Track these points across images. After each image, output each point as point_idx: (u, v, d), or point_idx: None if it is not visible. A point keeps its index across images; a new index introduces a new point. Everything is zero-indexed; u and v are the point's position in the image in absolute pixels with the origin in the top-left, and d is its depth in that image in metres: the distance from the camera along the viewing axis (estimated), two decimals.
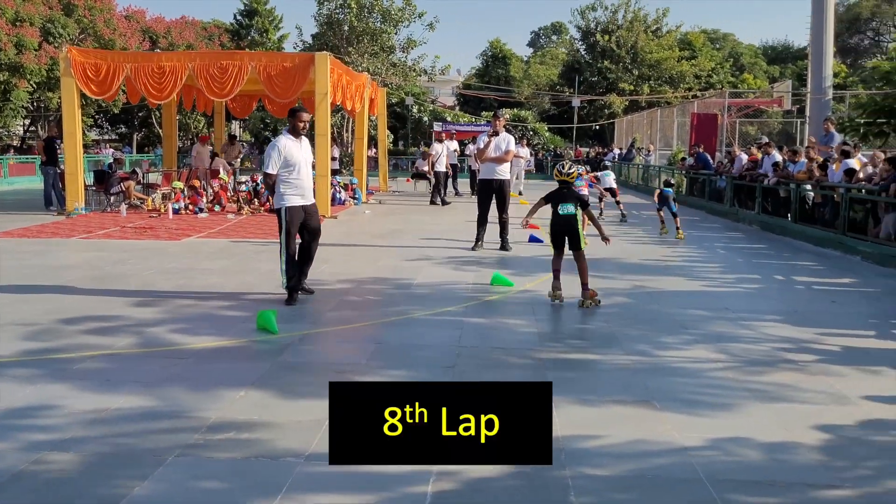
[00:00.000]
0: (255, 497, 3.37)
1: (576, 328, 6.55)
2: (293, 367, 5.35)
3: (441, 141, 21.24)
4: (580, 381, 5.07)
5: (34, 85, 36.08)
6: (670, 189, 13.89)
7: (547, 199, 7.71)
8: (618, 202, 16.17)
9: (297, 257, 7.37)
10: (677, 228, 13.24)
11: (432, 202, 19.66)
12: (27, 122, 51.66)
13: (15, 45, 32.69)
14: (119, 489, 3.39)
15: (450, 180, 22.26)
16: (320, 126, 16.23)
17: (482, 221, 11.25)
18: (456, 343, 5.99)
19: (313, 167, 7.73)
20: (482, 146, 11.14)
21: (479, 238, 11.24)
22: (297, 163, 7.22)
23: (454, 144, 23.23)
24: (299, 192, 7.29)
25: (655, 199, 14.56)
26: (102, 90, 16.34)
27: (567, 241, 7.60)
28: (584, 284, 7.48)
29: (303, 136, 7.39)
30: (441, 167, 20.18)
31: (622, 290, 8.30)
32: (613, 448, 3.97)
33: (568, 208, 7.55)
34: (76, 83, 16.09)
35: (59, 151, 17.36)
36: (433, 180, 20.40)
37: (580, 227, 7.67)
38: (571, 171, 7.67)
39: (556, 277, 7.55)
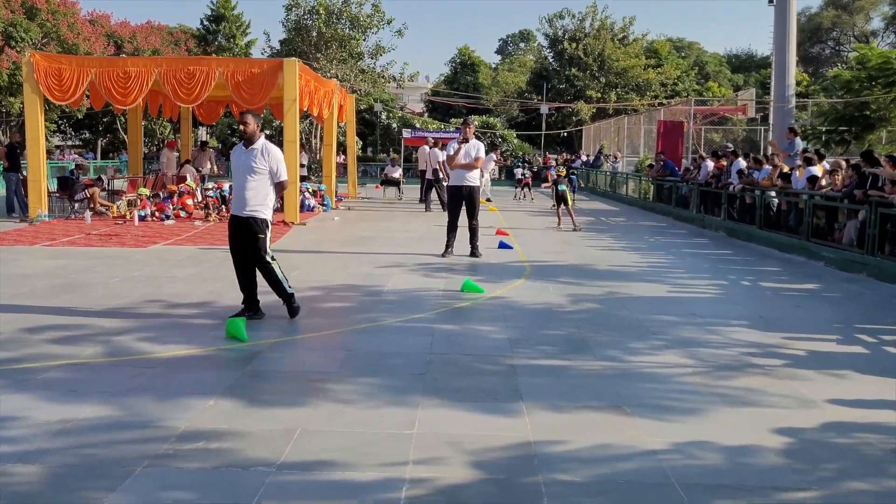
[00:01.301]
0: (228, 499, 3.33)
1: (547, 334, 6.57)
2: (263, 375, 5.30)
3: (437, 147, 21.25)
4: (551, 387, 5.09)
5: None
6: (563, 187, 16.48)
7: (553, 184, 16.55)
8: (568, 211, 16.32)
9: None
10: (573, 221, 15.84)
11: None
12: None
13: None
14: (87, 501, 3.34)
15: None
16: (289, 132, 16.15)
17: (452, 228, 11.27)
18: (427, 350, 5.98)
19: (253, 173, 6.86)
20: (452, 153, 11.17)
21: (448, 245, 11.25)
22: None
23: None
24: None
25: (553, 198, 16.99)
26: (66, 96, 16.11)
27: (563, 203, 16.02)
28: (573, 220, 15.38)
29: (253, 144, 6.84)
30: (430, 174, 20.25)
31: (592, 296, 8.35)
32: (585, 453, 3.99)
33: (563, 188, 16.16)
34: (39, 88, 15.85)
35: (21, 157, 17.07)
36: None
37: (569, 196, 16.16)
38: (561, 171, 14.02)
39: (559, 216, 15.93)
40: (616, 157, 30.69)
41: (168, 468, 3.70)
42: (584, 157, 36.74)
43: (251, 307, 6.89)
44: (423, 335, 6.46)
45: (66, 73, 15.94)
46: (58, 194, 16.86)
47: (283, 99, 16.49)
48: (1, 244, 12.04)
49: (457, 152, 11.07)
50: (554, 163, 28.83)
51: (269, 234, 6.85)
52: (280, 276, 6.92)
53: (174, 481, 3.55)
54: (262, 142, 6.83)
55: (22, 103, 37.69)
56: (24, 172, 16.50)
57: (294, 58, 17.06)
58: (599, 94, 46.11)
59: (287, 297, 7.00)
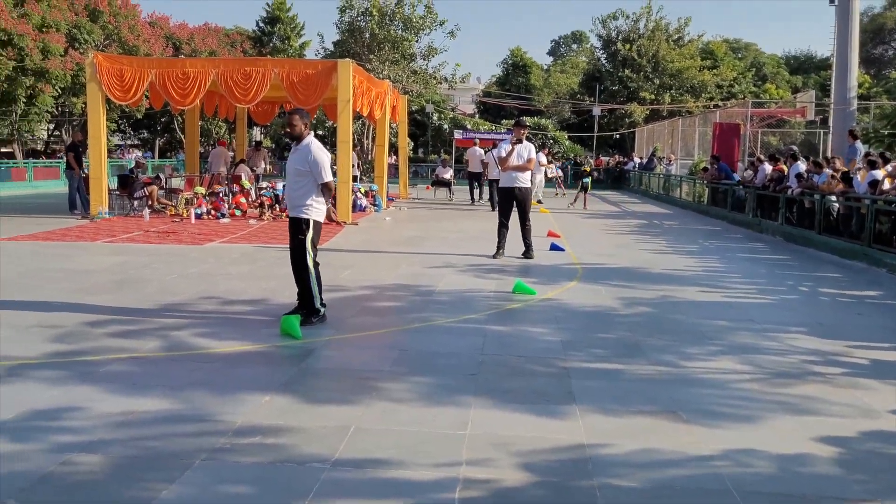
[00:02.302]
0: (282, 502, 3.37)
1: (599, 338, 6.51)
2: (317, 372, 5.36)
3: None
4: (604, 390, 5.04)
5: (59, 90, 36.49)
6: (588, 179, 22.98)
7: (577, 178, 20.06)
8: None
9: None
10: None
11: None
12: (52, 126, 52.28)
13: (41, 50, 33.09)
14: (146, 492, 3.41)
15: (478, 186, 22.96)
16: (342, 133, 16.31)
17: (503, 229, 11.25)
18: (479, 351, 5.98)
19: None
20: (504, 154, 11.14)
21: (500, 246, 11.23)
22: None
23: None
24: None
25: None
26: (127, 96, 16.51)
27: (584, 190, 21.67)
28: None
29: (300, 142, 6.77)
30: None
31: (646, 299, 8.25)
32: (639, 458, 3.94)
33: (587, 180, 21.51)
34: (101, 89, 16.27)
35: (83, 156, 17.53)
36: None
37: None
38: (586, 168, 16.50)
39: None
40: (670, 160, 30.29)
41: (225, 462, 3.76)
42: (636, 160, 36.33)
43: (305, 306, 6.91)
44: (475, 336, 6.45)
45: (127, 74, 16.33)
46: (118, 192, 17.28)
47: (336, 100, 16.66)
48: (63, 240, 12.38)
49: (509, 154, 11.05)
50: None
51: (309, 236, 6.67)
52: (314, 286, 6.68)
53: (231, 475, 3.61)
54: (307, 141, 6.73)
55: (84, 103, 38.72)
56: (86, 170, 16.93)
57: (348, 59, 17.21)
58: (653, 96, 45.53)
59: (312, 310, 6.70)
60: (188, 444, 3.96)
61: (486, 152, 21.10)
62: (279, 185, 18.11)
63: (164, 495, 3.38)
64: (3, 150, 50.57)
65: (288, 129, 6.86)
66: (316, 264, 6.73)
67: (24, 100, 36.03)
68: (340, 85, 16.17)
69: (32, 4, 34.41)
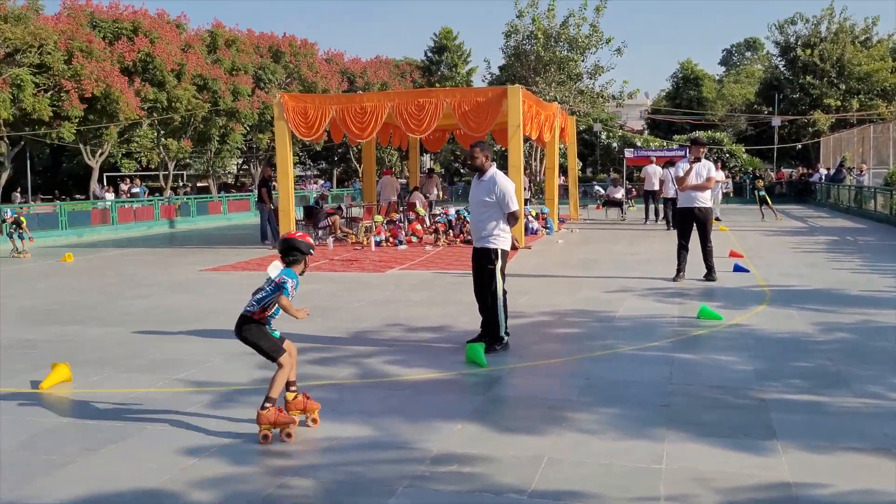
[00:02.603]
0: None
1: (796, 366, 6.18)
2: (505, 400, 5.44)
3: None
4: (808, 424, 4.79)
5: (247, 128, 39.26)
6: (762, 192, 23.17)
7: (756, 190, 20.23)
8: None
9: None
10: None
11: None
12: (240, 161, 56.22)
13: (232, 92, 35.75)
14: None
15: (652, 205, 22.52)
16: (513, 157, 16.50)
17: (683, 250, 10.94)
18: (667, 380, 5.84)
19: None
20: (682, 174, 10.86)
21: (680, 268, 10.92)
22: None
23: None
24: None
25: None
26: (311, 132, 17.51)
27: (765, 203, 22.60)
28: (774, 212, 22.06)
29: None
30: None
31: (844, 324, 7.75)
32: (853, 499, 3.71)
33: (762, 192, 22.47)
34: (288, 126, 17.37)
35: (273, 189, 18.75)
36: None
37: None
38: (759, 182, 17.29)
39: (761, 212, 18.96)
40: (861, 170, 28.28)
41: (426, 489, 3.90)
42: (822, 171, 34.18)
43: (488, 333, 7.02)
44: (661, 364, 6.31)
45: (310, 111, 17.36)
46: (303, 222, 18.33)
47: (506, 125, 16.90)
48: (258, 270, 13.27)
49: (687, 173, 10.75)
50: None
51: (498, 265, 6.81)
52: (501, 314, 6.79)
53: (433, 502, 3.74)
54: (491, 172, 6.89)
55: (269, 139, 41.54)
56: (275, 203, 18.09)
57: (518, 85, 17.43)
58: (839, 103, 42.74)
59: (496, 338, 6.80)
60: (390, 471, 4.14)
61: (662, 169, 20.66)
62: (451, 211, 18.57)
63: None
64: (200, 184, 54.97)
65: (470, 162, 7.07)
66: (503, 293, 6.84)
67: (218, 138, 39.05)
68: (511, 111, 16.40)
69: (224, 51, 37.31)
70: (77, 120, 29.46)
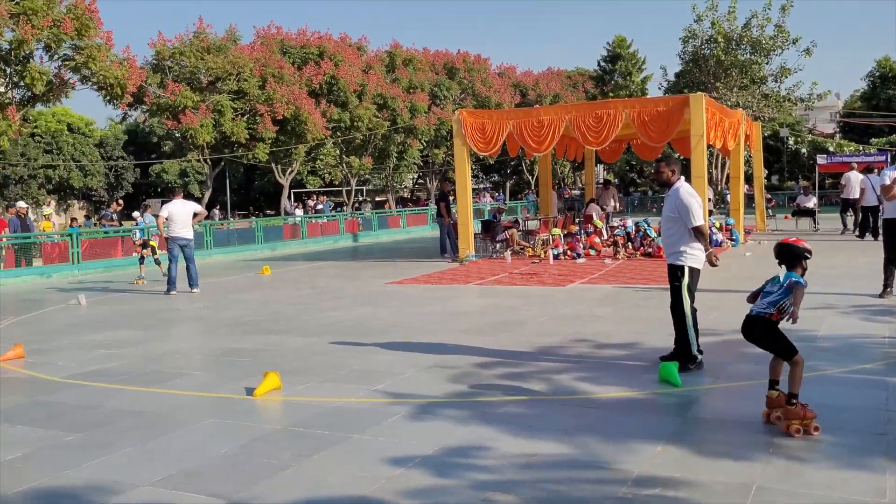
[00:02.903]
0: None
1: None
2: (705, 423, 5.27)
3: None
4: None
5: (423, 143, 40.44)
6: None
7: None
8: None
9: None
10: None
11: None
12: (416, 176, 57.95)
13: (409, 109, 36.96)
14: None
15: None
16: (696, 168, 15.96)
17: (891, 265, 10.14)
18: (882, 406, 5.43)
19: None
20: (889, 182, 10.07)
21: (887, 284, 10.13)
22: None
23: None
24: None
25: None
26: (488, 147, 17.78)
27: None
28: None
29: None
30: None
31: None
32: None
33: None
34: (465, 142, 17.72)
35: (452, 203, 19.19)
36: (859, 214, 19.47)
37: None
38: None
39: None
40: None
41: None
42: None
43: (681, 351, 6.82)
44: (874, 388, 5.88)
45: (488, 126, 17.63)
46: (481, 236, 18.61)
47: (688, 134, 16.39)
48: (440, 283, 13.62)
49: (894, 181, 9.97)
50: None
51: (685, 282, 6.59)
52: (691, 332, 6.58)
53: None
54: (676, 186, 6.72)
55: (444, 154, 42.58)
56: (454, 217, 18.49)
57: (701, 93, 16.87)
58: None
59: (688, 356, 6.59)
60: (592, 491, 4.11)
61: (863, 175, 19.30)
62: (629, 223, 18.22)
63: None
64: (378, 199, 57.17)
65: (655, 177, 6.94)
66: (693, 311, 6.63)
67: (396, 154, 40.47)
68: (693, 119, 15.89)
69: (401, 70, 38.68)
70: (270, 141, 31.53)
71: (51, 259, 18.88)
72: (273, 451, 4.93)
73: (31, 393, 6.79)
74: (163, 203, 19.68)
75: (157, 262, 16.00)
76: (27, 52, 23.08)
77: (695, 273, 6.68)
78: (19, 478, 4.63)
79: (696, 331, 6.66)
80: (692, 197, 6.63)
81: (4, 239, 18.41)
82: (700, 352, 6.68)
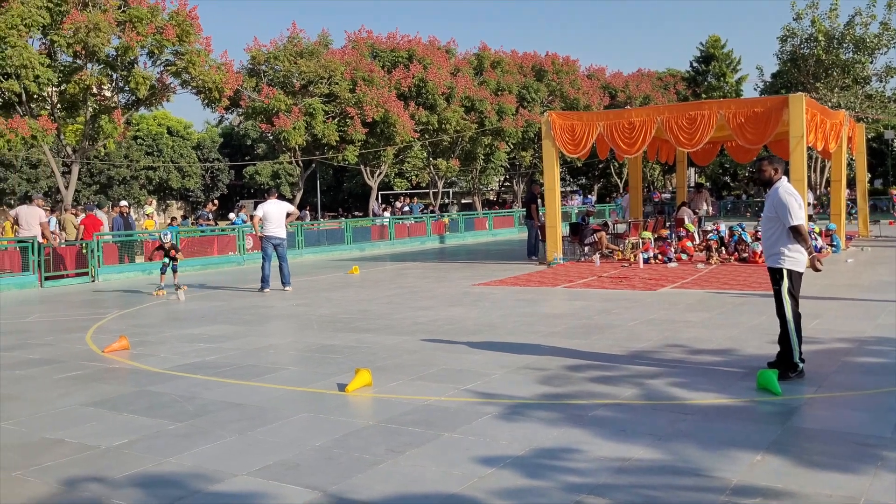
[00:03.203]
0: None
1: None
2: (807, 433, 5.07)
3: None
4: None
5: (511, 146, 40.35)
6: None
7: None
8: None
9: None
10: None
11: None
12: (502, 178, 57.89)
13: (497, 112, 36.96)
14: None
15: None
16: (795, 171, 15.41)
17: None
18: None
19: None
20: None
21: None
22: None
23: None
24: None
25: None
26: (577, 149, 17.60)
27: None
28: None
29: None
30: None
31: None
32: None
33: None
34: (555, 144, 17.59)
35: (540, 206, 19.08)
36: None
37: None
38: None
39: None
40: None
41: None
42: None
43: (782, 358, 6.58)
44: None
45: (577, 128, 17.46)
46: (569, 239, 18.44)
47: (786, 136, 15.86)
48: (528, 285, 13.57)
49: None
50: None
51: (785, 286, 6.37)
52: (793, 338, 6.34)
53: None
54: (776, 185, 6.51)
55: (532, 156, 42.40)
56: (542, 219, 18.39)
57: (801, 93, 16.30)
58: None
59: (790, 364, 6.36)
60: (688, 498, 4.02)
61: None
62: (723, 227, 17.76)
63: None
64: (464, 201, 57.37)
65: (757, 176, 6.75)
66: (797, 316, 6.40)
67: (483, 157, 40.52)
68: (792, 121, 15.36)
69: (489, 72, 38.72)
70: (359, 143, 32.06)
71: (151, 256, 19.66)
72: (366, 446, 5.00)
73: (136, 383, 7.09)
74: (256, 203, 20.21)
75: (175, 270, 14.20)
76: (132, 58, 24.17)
77: (795, 276, 6.44)
78: (125, 463, 4.84)
79: (800, 338, 6.43)
80: (791, 195, 6.41)
81: (111, 236, 19.27)
82: (802, 360, 6.44)
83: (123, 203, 21.47)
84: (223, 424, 5.61)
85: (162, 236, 14.56)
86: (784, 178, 6.63)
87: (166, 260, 14.18)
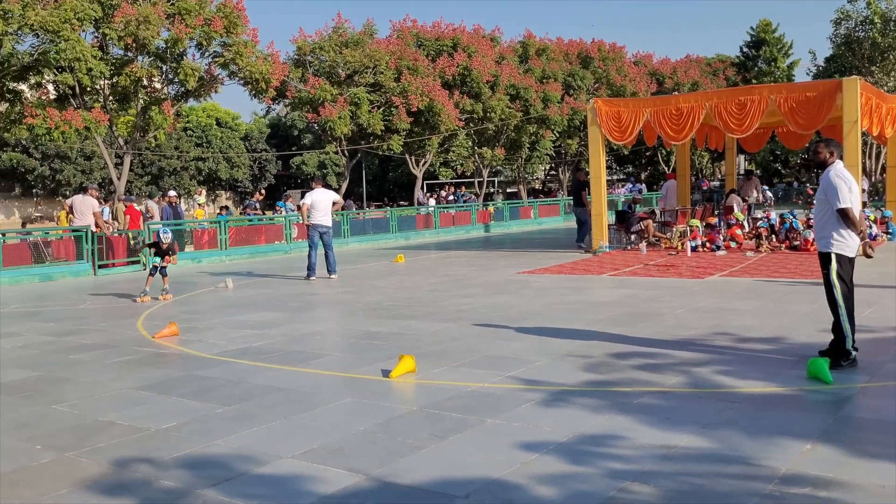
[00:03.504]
0: None
1: None
2: (860, 423, 4.96)
3: None
4: None
5: (556, 134, 40.03)
6: None
7: None
8: None
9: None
10: None
11: None
12: (547, 167, 57.55)
13: (542, 100, 36.69)
14: None
15: None
16: (850, 156, 15.01)
17: None
18: None
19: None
20: None
21: None
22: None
23: None
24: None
25: None
26: (623, 136, 17.38)
27: None
28: None
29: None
30: None
31: None
32: None
33: None
34: (601, 131, 17.40)
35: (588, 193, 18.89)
36: None
37: None
38: None
39: None
40: None
41: None
42: None
43: (835, 346, 6.41)
44: None
45: (623, 115, 17.25)
46: (615, 227, 18.26)
47: (839, 121, 15.45)
48: (573, 273, 13.47)
49: None
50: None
51: (833, 269, 6.23)
52: (846, 324, 6.20)
53: None
54: (828, 168, 6.37)
55: (577, 144, 42.04)
56: (588, 207, 18.22)
57: (855, 77, 15.83)
58: None
59: (842, 352, 6.21)
60: (735, 486, 3.95)
61: None
62: (773, 215, 17.40)
63: None
64: (510, 190, 57.19)
65: (813, 158, 6.62)
66: (848, 302, 6.23)
67: (528, 145, 40.28)
68: (846, 105, 14.96)
69: (534, 60, 38.44)
70: (404, 132, 32.13)
71: (201, 245, 20.00)
72: (410, 431, 5.02)
73: (185, 368, 7.22)
74: (303, 193, 20.40)
75: (164, 274, 12.65)
76: (181, 50, 24.53)
77: (844, 261, 6.26)
78: (174, 445, 4.93)
79: (853, 326, 6.27)
80: (841, 179, 6.23)
81: (160, 226, 19.63)
82: (855, 348, 6.29)
83: (172, 193, 21.83)
84: (269, 408, 5.69)
85: (161, 234, 12.57)
86: (839, 162, 6.46)
87: (157, 260, 12.45)
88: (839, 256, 6.27)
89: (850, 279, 6.31)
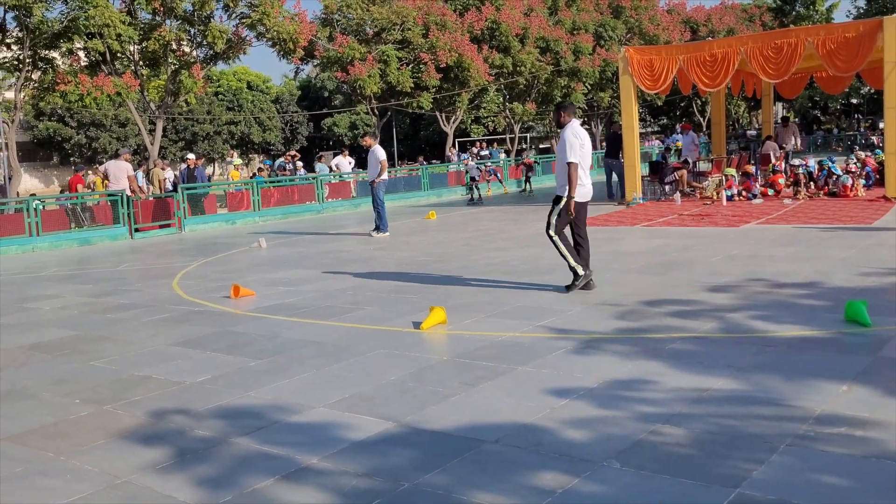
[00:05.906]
0: (881, 499, 3.12)
1: None
2: None
3: None
4: None
5: (588, 86, 39.39)
6: None
7: None
8: None
9: None
10: None
11: None
12: (580, 121, 56.78)
13: (573, 51, 36.07)
14: (736, 470, 3.44)
15: None
16: (889, 98, 14.59)
17: None
18: None
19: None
20: None
21: None
22: None
23: None
24: None
25: None
26: (656, 85, 17.04)
27: None
28: None
29: None
30: None
31: None
32: None
33: None
34: (633, 80, 17.07)
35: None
36: None
37: None
38: None
39: None
40: None
41: (812, 449, 3.61)
42: None
43: None
44: None
45: (656, 63, 16.88)
46: (649, 178, 18.00)
47: (880, 62, 14.97)
48: (606, 225, 13.34)
49: None
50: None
51: (556, 209, 7.60)
52: (563, 253, 7.60)
53: (821, 464, 3.46)
54: (565, 127, 7.46)
55: (610, 97, 41.39)
56: (622, 158, 17.95)
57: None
58: None
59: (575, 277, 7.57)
60: (768, 428, 3.90)
61: None
62: (811, 161, 17.00)
63: (756, 476, 3.37)
64: (542, 146, 56.68)
65: (552, 119, 6.82)
66: (560, 236, 7.54)
67: (560, 99, 39.68)
68: (887, 45, 14.47)
69: (564, 11, 37.71)
70: (434, 89, 31.86)
71: (235, 206, 20.14)
72: (440, 380, 5.04)
73: (219, 324, 7.31)
74: (335, 154, 20.36)
75: None
76: (208, 13, 24.48)
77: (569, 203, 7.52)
78: (208, 397, 5.01)
79: (572, 253, 7.52)
80: (576, 137, 7.44)
81: (183, 191, 19.75)
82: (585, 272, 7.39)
83: (191, 156, 21.82)
84: (302, 361, 5.74)
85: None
86: (574, 121, 7.67)
87: None
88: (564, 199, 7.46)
89: (568, 219, 7.56)
